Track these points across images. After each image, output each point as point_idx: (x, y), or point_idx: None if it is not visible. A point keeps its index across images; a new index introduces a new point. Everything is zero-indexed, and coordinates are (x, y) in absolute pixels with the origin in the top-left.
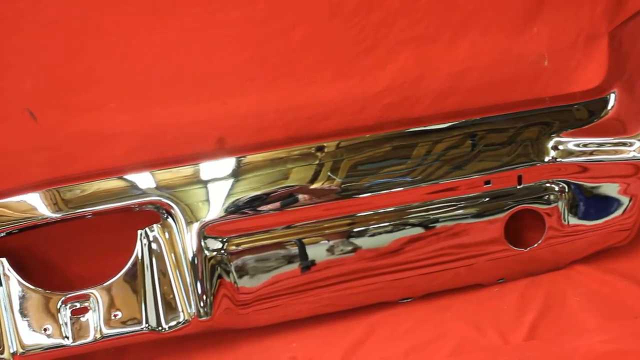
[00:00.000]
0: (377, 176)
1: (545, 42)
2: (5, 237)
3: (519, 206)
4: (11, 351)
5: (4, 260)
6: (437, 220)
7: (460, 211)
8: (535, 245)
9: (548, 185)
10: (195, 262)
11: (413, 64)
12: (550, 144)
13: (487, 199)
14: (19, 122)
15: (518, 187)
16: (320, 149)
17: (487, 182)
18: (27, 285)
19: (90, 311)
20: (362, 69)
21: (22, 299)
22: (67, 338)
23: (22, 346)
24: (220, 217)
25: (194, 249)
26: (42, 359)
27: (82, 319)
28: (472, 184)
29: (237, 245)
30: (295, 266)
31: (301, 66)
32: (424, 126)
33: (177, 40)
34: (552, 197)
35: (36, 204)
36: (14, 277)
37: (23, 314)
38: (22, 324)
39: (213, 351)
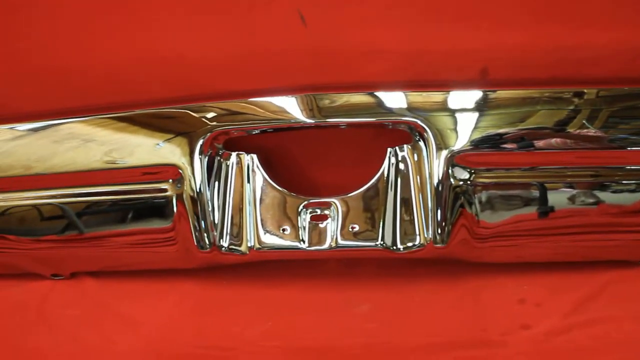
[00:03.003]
0: (633, 131)
1: None
2: (258, 135)
3: None
4: (249, 245)
5: (254, 156)
6: None
7: None
8: None
9: None
10: (440, 188)
11: None
12: None
13: None
14: (289, 23)
15: None
16: (579, 94)
17: None
18: (273, 185)
19: (329, 219)
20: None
21: (266, 197)
22: (303, 242)
23: (259, 242)
24: (470, 148)
25: (441, 176)
26: (276, 257)
27: (321, 226)
28: None
29: (484, 178)
30: (535, 209)
31: (580, 6)
32: None
33: None
34: None
35: (292, 107)
36: (260, 174)
37: (264, 211)
38: (262, 221)
39: (442, 280)
